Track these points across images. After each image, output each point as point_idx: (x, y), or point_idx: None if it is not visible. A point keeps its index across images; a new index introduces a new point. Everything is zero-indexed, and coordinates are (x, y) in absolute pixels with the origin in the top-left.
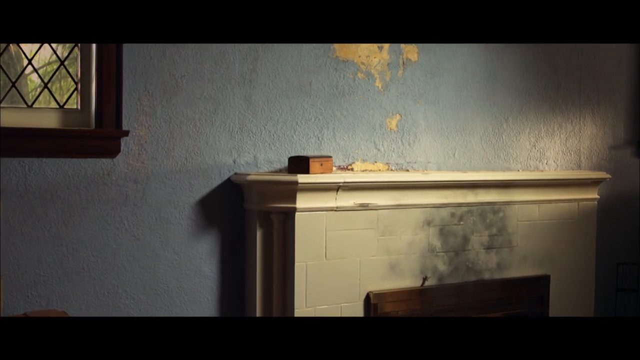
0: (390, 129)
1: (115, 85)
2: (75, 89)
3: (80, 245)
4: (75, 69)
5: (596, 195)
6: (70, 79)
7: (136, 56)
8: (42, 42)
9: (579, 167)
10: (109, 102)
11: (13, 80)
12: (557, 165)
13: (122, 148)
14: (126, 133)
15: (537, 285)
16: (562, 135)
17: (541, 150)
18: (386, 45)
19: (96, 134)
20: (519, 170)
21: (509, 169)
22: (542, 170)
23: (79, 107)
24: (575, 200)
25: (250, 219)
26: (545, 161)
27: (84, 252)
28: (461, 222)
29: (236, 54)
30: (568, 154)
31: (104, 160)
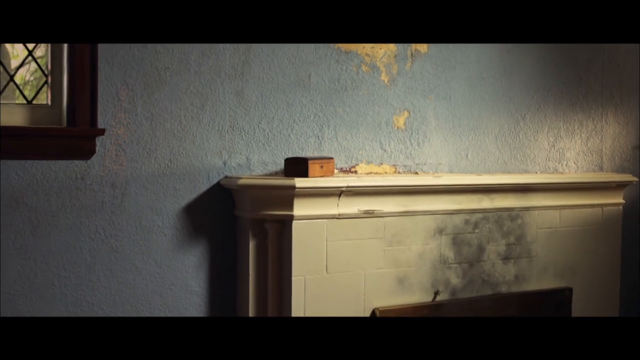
0: (398, 128)
1: (89, 78)
2: (45, 82)
3: (50, 258)
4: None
5: (621, 200)
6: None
7: (114, 45)
8: (7, 42)
9: (601, 168)
10: (82, 97)
11: None
12: (578, 167)
13: (97, 149)
14: (102, 132)
15: (559, 298)
16: (582, 134)
17: (560, 150)
18: None
19: (68, 132)
20: (537, 173)
21: (526, 171)
22: (562, 173)
23: (49, 103)
24: (599, 205)
25: (242, 227)
26: (565, 162)
27: (54, 266)
28: (476, 230)
29: (226, 44)
30: (589, 154)
31: (77, 162)
